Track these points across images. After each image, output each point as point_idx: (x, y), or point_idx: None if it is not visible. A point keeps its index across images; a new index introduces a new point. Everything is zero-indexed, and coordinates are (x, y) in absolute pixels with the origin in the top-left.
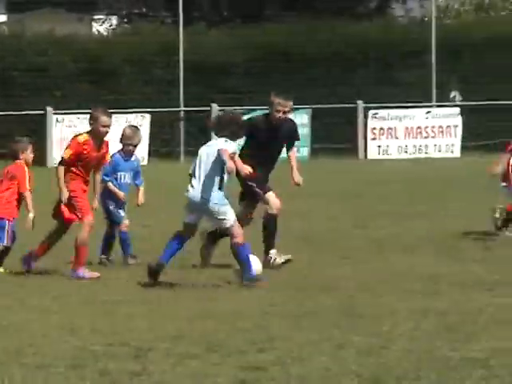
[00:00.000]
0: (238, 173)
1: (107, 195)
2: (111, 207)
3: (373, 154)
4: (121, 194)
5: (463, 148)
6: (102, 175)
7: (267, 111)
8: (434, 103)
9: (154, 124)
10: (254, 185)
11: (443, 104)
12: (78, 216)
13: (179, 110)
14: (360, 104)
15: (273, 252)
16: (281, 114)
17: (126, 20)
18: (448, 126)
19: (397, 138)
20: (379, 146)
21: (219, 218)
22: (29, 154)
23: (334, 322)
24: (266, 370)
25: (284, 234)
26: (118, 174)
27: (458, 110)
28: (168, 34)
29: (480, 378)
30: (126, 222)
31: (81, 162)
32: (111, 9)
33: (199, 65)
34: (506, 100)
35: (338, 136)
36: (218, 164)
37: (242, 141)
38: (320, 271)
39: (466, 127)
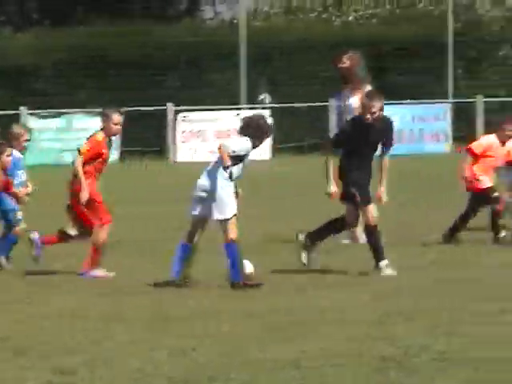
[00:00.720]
0: (340, 175)
1: (7, 196)
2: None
3: (183, 156)
4: (24, 195)
5: (273, 150)
6: (10, 177)
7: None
8: (243, 105)
9: None
10: (356, 192)
11: (253, 106)
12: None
13: None
14: (170, 106)
15: (382, 264)
16: (368, 116)
17: None
18: None
19: (207, 140)
20: (189, 149)
21: (220, 207)
22: (5, 158)
23: (146, 324)
24: (76, 373)
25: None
26: (18, 172)
27: (267, 112)
28: None
29: (291, 379)
30: (22, 226)
31: (98, 161)
32: None
33: (7, 69)
34: (314, 102)
35: (149, 139)
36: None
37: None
38: (131, 275)
39: (276, 129)
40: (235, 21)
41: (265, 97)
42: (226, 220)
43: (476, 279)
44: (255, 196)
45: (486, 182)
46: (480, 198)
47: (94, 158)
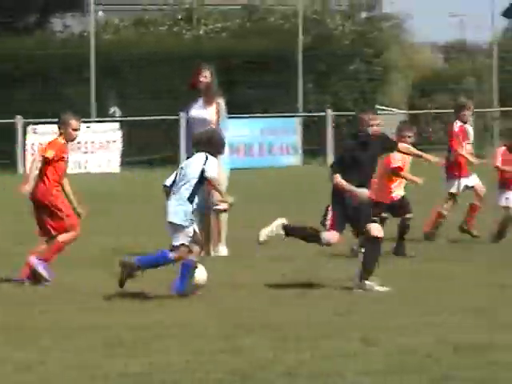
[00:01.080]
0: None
1: None
2: None
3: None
4: None
5: (123, 163)
6: None
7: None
8: (93, 118)
9: None
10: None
11: (103, 119)
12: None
13: None
14: (19, 119)
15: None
16: (368, 130)
17: None
18: (108, 141)
19: None
20: None
21: (176, 231)
22: None
23: None
24: None
25: None
26: None
27: (117, 125)
28: None
29: None
30: None
31: (60, 166)
32: None
33: None
34: (165, 115)
35: None
36: (192, 177)
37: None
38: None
39: (126, 142)
40: (85, 33)
41: (114, 110)
42: (175, 246)
43: (325, 294)
44: (104, 210)
45: (399, 193)
46: (393, 207)
47: (57, 161)
